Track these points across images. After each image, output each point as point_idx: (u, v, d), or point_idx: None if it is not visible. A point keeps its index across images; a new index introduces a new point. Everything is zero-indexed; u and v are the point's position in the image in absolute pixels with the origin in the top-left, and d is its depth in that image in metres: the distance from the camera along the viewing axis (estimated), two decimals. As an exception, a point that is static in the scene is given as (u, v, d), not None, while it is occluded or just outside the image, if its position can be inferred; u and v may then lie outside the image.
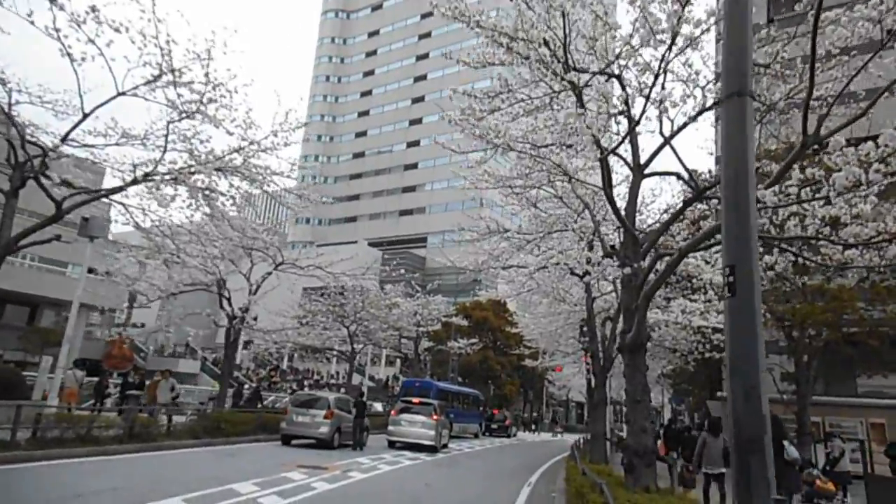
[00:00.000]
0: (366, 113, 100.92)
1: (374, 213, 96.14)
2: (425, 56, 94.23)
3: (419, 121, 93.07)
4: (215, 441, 15.55)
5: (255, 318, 21.48)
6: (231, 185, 11.11)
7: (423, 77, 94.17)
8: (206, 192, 10.26)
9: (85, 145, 9.81)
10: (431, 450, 19.40)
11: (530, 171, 10.11)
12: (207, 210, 10.52)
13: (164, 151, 9.64)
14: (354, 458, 14.85)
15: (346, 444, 18.41)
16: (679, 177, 7.44)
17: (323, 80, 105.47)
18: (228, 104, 9.57)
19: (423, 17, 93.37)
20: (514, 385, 55.80)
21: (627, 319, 7.07)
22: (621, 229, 9.52)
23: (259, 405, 22.75)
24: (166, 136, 9.55)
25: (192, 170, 10.37)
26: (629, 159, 7.45)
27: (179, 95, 9.21)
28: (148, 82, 9.10)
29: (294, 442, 17.41)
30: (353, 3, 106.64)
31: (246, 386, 46.30)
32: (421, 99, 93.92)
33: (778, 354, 20.40)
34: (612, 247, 8.74)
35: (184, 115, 9.35)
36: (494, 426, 35.72)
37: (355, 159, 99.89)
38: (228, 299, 16.90)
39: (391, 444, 19.80)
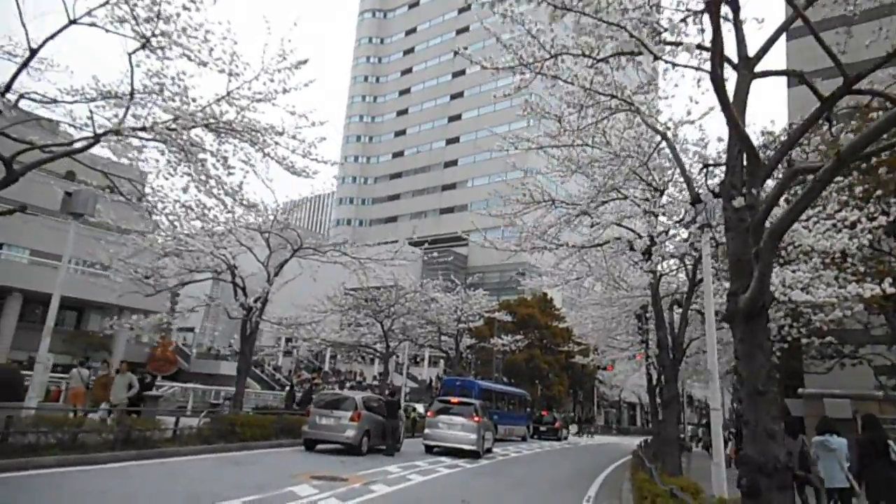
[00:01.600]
0: (404, 111, 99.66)
1: (414, 212, 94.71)
2: (463, 50, 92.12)
3: (458, 117, 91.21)
4: (230, 446, 13.85)
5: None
6: (223, 146, 9.32)
7: (462, 72, 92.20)
8: (189, 147, 8.48)
9: (44, 100, 8.15)
10: (473, 455, 17.29)
11: (583, 107, 7.91)
12: (192, 173, 8.74)
13: (131, 96, 7.91)
14: (383, 467, 12.88)
15: (378, 449, 16.51)
16: (802, 78, 5.14)
17: (361, 80, 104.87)
18: (205, 35, 7.74)
19: (461, 11, 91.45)
20: (563, 385, 53.06)
21: (739, 275, 4.85)
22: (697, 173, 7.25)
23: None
24: (131, 74, 7.83)
25: (174, 125, 8.61)
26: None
27: (145, 20, 7.42)
28: (105, 2, 7.35)
29: (319, 447, 15.61)
30: (389, 2, 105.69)
31: (296, 387, 45.37)
32: (460, 95, 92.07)
33: (872, 344, 17.45)
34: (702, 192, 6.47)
35: (144, 40, 7.54)
36: (543, 428, 33.30)
37: (395, 159, 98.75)
38: (243, 288, 15.23)
39: (428, 450, 17.78)
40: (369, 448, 15.46)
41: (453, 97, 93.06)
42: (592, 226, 12.75)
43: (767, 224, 4.66)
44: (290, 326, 18.77)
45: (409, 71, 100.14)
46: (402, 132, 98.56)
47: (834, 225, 10.09)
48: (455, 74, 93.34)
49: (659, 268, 12.44)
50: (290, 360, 65.84)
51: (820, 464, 8.33)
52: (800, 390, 19.88)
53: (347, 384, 55.68)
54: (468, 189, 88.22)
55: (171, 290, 14.99)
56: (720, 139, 6.72)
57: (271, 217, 15.35)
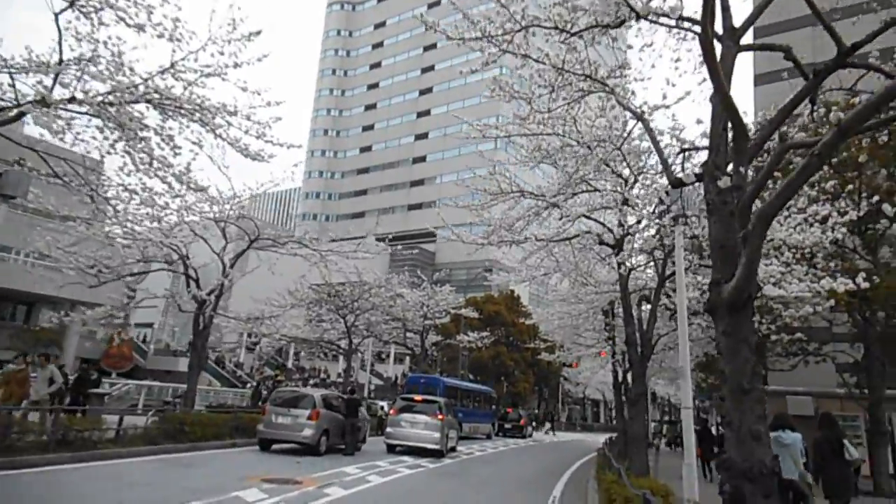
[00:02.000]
0: (373, 106, 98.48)
1: (382, 207, 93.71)
2: (433, 46, 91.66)
3: (427, 112, 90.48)
4: (178, 447, 13.04)
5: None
6: (168, 123, 8.56)
7: (431, 67, 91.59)
8: (129, 123, 7.72)
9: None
10: (436, 454, 16.80)
11: (555, 88, 7.46)
12: (131, 151, 7.95)
13: (60, 62, 7.12)
14: (341, 468, 12.28)
15: (339, 449, 15.90)
16: (788, 54, 4.77)
17: (329, 73, 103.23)
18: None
19: (431, 6, 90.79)
20: (529, 382, 53.08)
21: (722, 262, 4.45)
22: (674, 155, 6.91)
23: None
24: (59, 38, 7.01)
25: (111, 97, 7.84)
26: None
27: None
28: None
29: (275, 447, 14.90)
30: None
31: (256, 384, 44.22)
32: (429, 90, 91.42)
33: (835, 342, 17.60)
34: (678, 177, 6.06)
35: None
36: (508, 426, 33.04)
37: (363, 153, 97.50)
38: (196, 280, 14.39)
39: (390, 449, 17.22)
40: (328, 448, 14.83)
41: (422, 92, 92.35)
42: (561, 218, 12.38)
43: (754, 208, 4.29)
44: (249, 321, 17.91)
45: (378, 65, 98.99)
46: (371, 127, 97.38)
47: (805, 219, 9.92)
48: (424, 70, 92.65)
49: (628, 262, 12.13)
50: (252, 356, 64.38)
51: None
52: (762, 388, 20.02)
53: (311, 381, 54.65)
54: (437, 185, 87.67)
55: (119, 280, 14.01)
56: (699, 121, 6.38)
57: (227, 206, 14.56)
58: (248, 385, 44.26)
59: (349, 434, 15.47)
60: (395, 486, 10.80)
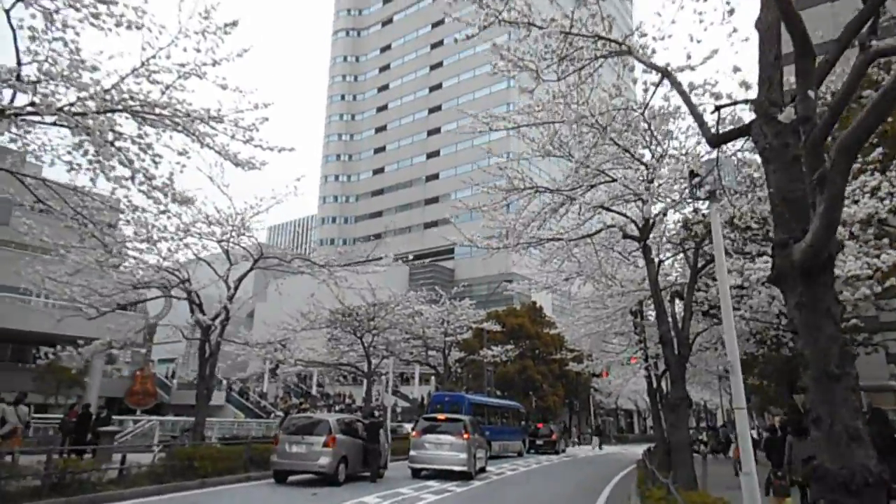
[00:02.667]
0: (383, 128, 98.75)
1: (398, 228, 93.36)
2: (439, 65, 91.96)
3: (437, 130, 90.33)
4: (186, 484, 12.23)
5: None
6: (149, 131, 7.90)
7: (439, 86, 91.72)
8: (102, 133, 7.05)
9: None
10: (464, 477, 15.76)
11: (563, 58, 6.62)
12: (101, 159, 7.28)
13: (18, 64, 6.48)
14: (360, 498, 11.33)
15: (362, 476, 14.99)
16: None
17: (338, 99, 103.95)
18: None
19: (434, 26, 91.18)
20: (558, 395, 51.49)
21: (789, 218, 3.54)
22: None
23: None
24: (14, 38, 6.38)
25: (83, 106, 7.19)
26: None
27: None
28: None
29: (292, 479, 14.01)
30: (363, 21, 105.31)
31: (284, 413, 43.57)
32: (437, 108, 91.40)
33: (884, 332, 16.27)
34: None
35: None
36: (539, 442, 31.71)
37: (375, 175, 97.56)
38: (199, 305, 13.70)
39: (415, 473, 16.22)
40: (348, 476, 13.90)
41: (431, 111, 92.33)
42: (580, 213, 11.47)
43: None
44: (259, 346, 17.16)
45: (385, 87, 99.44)
46: (382, 148, 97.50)
47: (853, 191, 8.90)
48: (432, 88, 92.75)
49: (656, 256, 11.19)
50: (274, 385, 63.83)
51: None
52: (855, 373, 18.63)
53: (336, 407, 53.82)
54: (451, 202, 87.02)
55: (115, 311, 13.34)
56: (736, 69, 5.47)
57: (228, 225, 13.91)
58: (273, 415, 43.55)
59: (373, 461, 14.56)
60: (418, 516, 9.82)
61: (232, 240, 14.03)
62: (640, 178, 10.79)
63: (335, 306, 21.91)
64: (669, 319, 10.87)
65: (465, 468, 15.59)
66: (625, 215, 11.48)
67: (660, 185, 10.32)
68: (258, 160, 9.21)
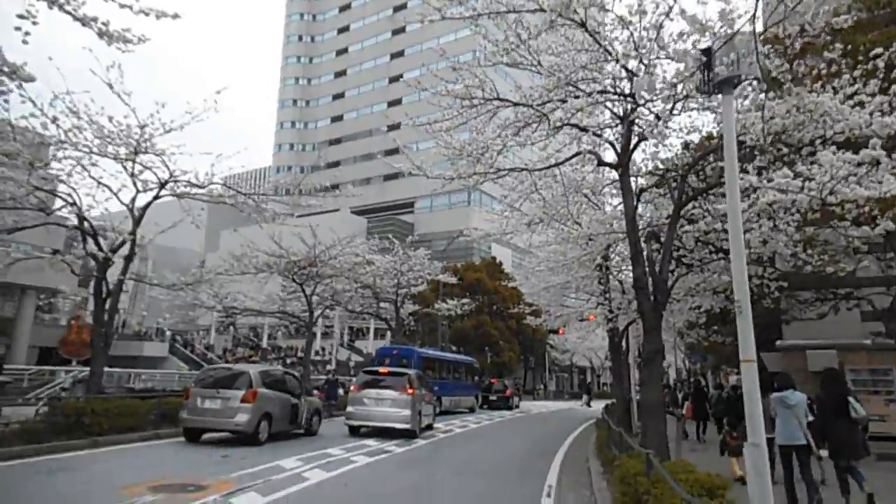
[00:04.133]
0: (343, 73, 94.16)
1: (357, 179, 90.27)
2: (403, 6, 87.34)
3: (399, 77, 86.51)
4: (72, 444, 10.28)
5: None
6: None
7: (402, 30, 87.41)
8: None
9: None
10: (408, 435, 14.27)
11: None
12: None
13: None
14: (276, 461, 9.61)
15: (295, 434, 13.36)
16: None
17: (295, 40, 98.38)
18: None
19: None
20: (514, 352, 50.84)
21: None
22: None
23: None
24: None
25: None
26: None
27: None
28: None
29: (207, 437, 12.21)
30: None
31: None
32: (400, 54, 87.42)
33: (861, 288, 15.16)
34: None
35: None
36: (493, 398, 30.71)
37: (334, 123, 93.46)
38: (93, 235, 11.45)
39: (353, 431, 14.64)
40: (272, 435, 12.15)
41: (394, 56, 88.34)
42: (549, 130, 9.61)
43: None
44: (176, 287, 14.98)
45: (346, 29, 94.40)
46: (341, 95, 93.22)
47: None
48: (395, 32, 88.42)
49: (637, 181, 9.54)
50: (223, 338, 61.57)
51: (778, 420, 7.84)
52: (778, 342, 17.66)
53: (288, 360, 52.07)
54: (413, 153, 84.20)
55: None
56: None
57: (134, 137, 11.52)
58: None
59: (304, 418, 12.87)
60: (337, 487, 8.13)
61: (136, 160, 11.67)
62: (619, 94, 9.01)
63: (272, 249, 19.73)
64: (646, 261, 9.28)
65: (408, 426, 14.07)
66: (600, 136, 9.71)
67: (645, 92, 8.50)
68: (135, 34, 6.98)
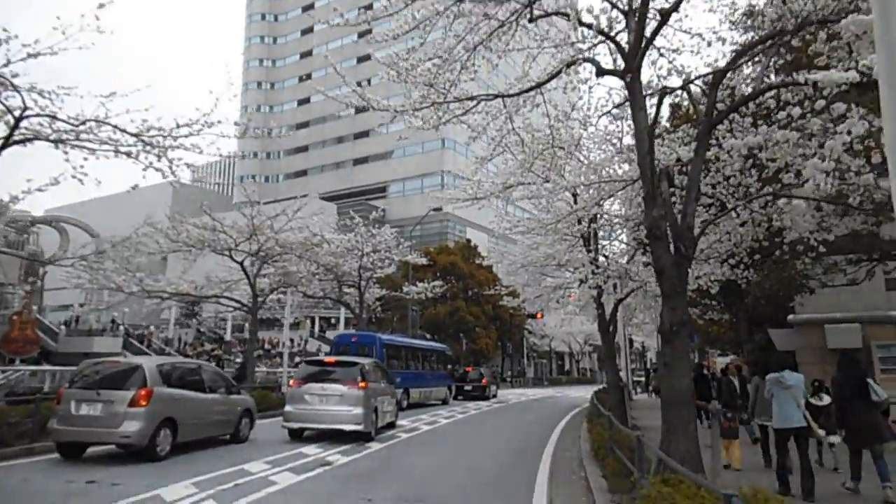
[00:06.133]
0: (308, 53, 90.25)
1: (325, 164, 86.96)
2: (369, 6, 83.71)
3: (368, 57, 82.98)
4: None
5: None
6: None
7: (369, 6, 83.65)
8: None
9: None
10: (361, 438, 11.65)
11: None
12: None
13: None
14: (158, 490, 6.92)
15: (220, 441, 10.73)
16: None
17: (258, 19, 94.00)
18: None
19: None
20: (491, 338, 48.48)
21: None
22: None
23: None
24: None
25: None
26: None
27: None
28: None
29: (95, 451, 9.44)
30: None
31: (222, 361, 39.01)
32: (368, 32, 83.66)
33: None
34: None
35: None
36: (469, 387, 28.22)
37: (301, 106, 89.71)
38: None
39: (293, 435, 11.96)
40: (179, 446, 9.42)
41: (361, 35, 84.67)
42: (528, 29, 7.01)
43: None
44: (81, 262, 12.05)
45: (311, 6, 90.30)
46: (308, 76, 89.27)
47: None
48: (364, 8, 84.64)
49: (655, 82, 6.99)
50: (183, 332, 58.27)
51: (774, 402, 7.50)
52: (791, 317, 15.42)
53: (255, 353, 48.98)
54: (383, 136, 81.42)
55: None
56: None
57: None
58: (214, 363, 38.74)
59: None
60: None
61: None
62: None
63: (201, 219, 16.79)
64: (663, 201, 6.77)
65: (359, 426, 11.43)
66: (604, 33, 7.10)
67: None
68: None
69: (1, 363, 28.79)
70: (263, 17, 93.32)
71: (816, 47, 6.87)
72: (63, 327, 47.64)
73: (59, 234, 41.13)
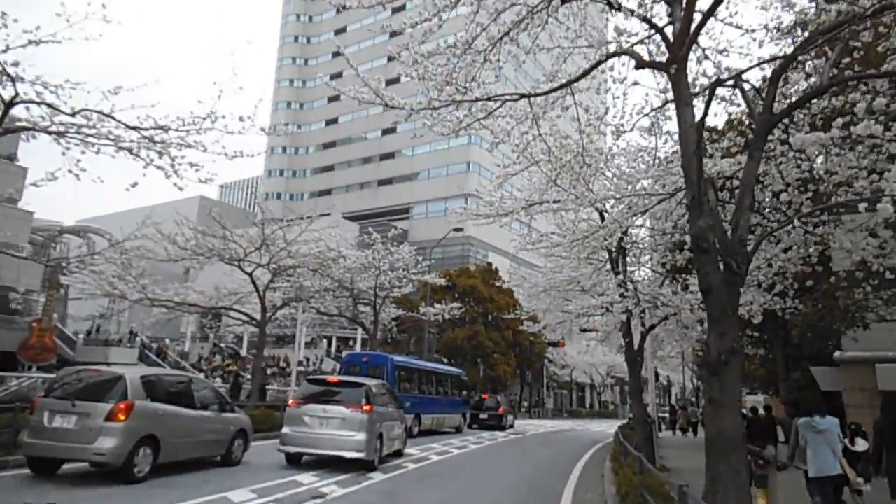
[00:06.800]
0: (339, 75, 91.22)
1: (350, 184, 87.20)
2: (402, 8, 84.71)
3: (396, 80, 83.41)
4: None
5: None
6: None
7: (400, 33, 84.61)
8: None
9: None
10: (362, 467, 10.69)
11: None
12: None
13: None
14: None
15: (210, 463, 9.88)
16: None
17: (291, 41, 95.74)
18: None
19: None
20: (510, 365, 47.06)
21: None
22: None
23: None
24: None
25: None
26: None
27: None
28: None
29: (69, 468, 8.66)
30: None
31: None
32: (399, 33, 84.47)
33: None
34: None
35: None
36: (484, 416, 26.98)
37: (328, 126, 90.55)
38: None
39: (291, 460, 11.05)
40: (161, 467, 8.60)
41: (390, 59, 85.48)
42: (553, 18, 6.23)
43: None
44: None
45: (343, 30, 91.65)
46: (336, 98, 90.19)
47: None
48: (392, 34, 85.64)
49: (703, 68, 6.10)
50: (201, 346, 58.16)
51: (808, 450, 6.88)
52: (837, 354, 14.13)
53: (269, 371, 48.36)
54: (408, 158, 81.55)
55: None
56: None
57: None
58: (229, 379, 38.40)
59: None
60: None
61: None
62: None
63: (210, 227, 16.20)
64: (711, 209, 5.85)
65: (361, 454, 10.48)
66: (647, 20, 6.27)
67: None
68: None
69: (19, 370, 28.62)
70: (296, 39, 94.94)
71: (893, 42, 5.99)
72: (81, 336, 47.67)
73: (85, 245, 41.37)
